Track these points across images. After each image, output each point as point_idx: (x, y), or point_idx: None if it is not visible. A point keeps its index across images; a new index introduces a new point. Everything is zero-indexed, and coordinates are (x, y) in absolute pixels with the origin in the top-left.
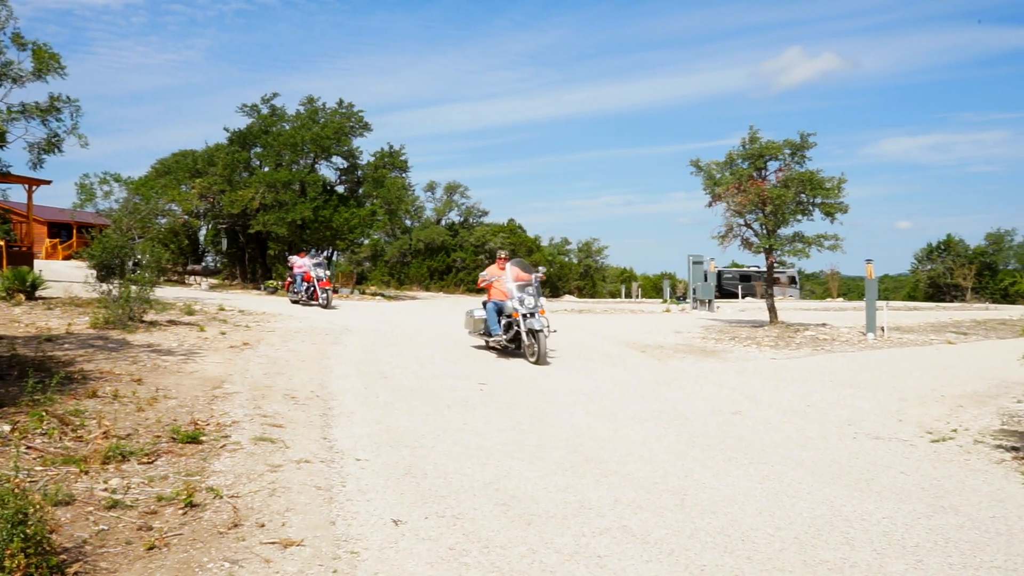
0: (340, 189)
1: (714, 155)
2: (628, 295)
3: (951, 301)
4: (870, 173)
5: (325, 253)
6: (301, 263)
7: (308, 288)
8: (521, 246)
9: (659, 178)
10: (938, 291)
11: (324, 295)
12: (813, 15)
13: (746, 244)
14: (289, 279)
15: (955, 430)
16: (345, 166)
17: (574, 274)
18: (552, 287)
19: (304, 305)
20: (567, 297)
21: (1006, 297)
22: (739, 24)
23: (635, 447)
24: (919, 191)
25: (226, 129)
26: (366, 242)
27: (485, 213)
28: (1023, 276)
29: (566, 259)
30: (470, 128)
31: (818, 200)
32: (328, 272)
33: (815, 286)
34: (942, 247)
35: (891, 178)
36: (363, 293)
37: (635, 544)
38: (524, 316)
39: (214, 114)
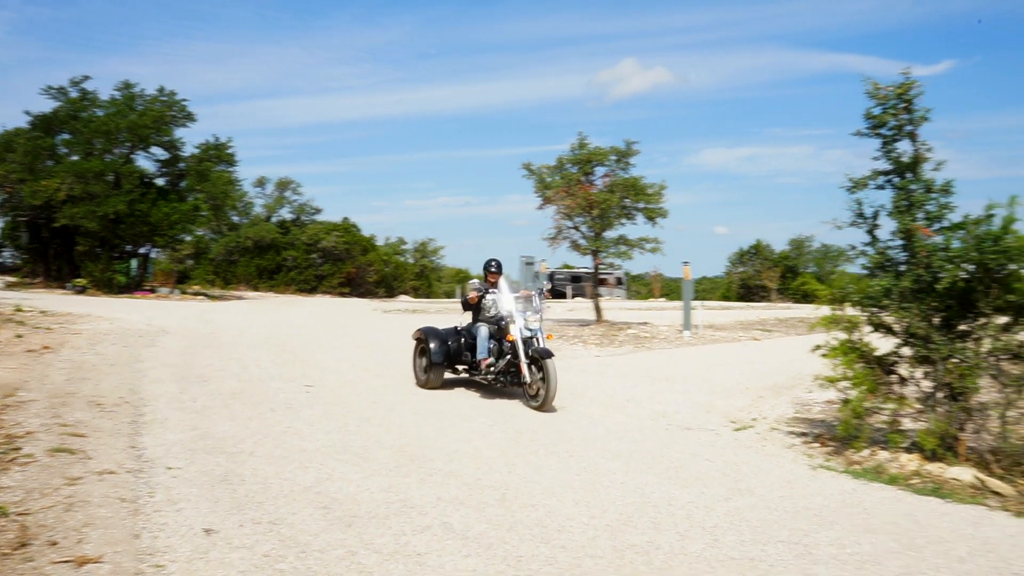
0: (160, 182)
1: (552, 159)
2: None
3: (759, 301)
4: (693, 181)
5: (544, 281)
6: (496, 298)
7: (504, 355)
8: (356, 245)
9: (497, 180)
10: (748, 292)
11: (540, 380)
12: (647, 29)
13: (575, 246)
14: (462, 333)
15: (755, 419)
16: (166, 157)
17: (410, 274)
18: (387, 287)
19: (492, 386)
20: (403, 297)
21: (805, 297)
22: (578, 33)
23: (461, 445)
24: (735, 199)
25: (28, 113)
26: (188, 239)
27: (318, 211)
28: (814, 278)
29: (402, 259)
30: (306, 123)
31: (641, 205)
32: (540, 313)
33: (640, 287)
34: (752, 251)
35: (711, 186)
36: (184, 293)
37: (455, 540)
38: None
39: (14, 96)
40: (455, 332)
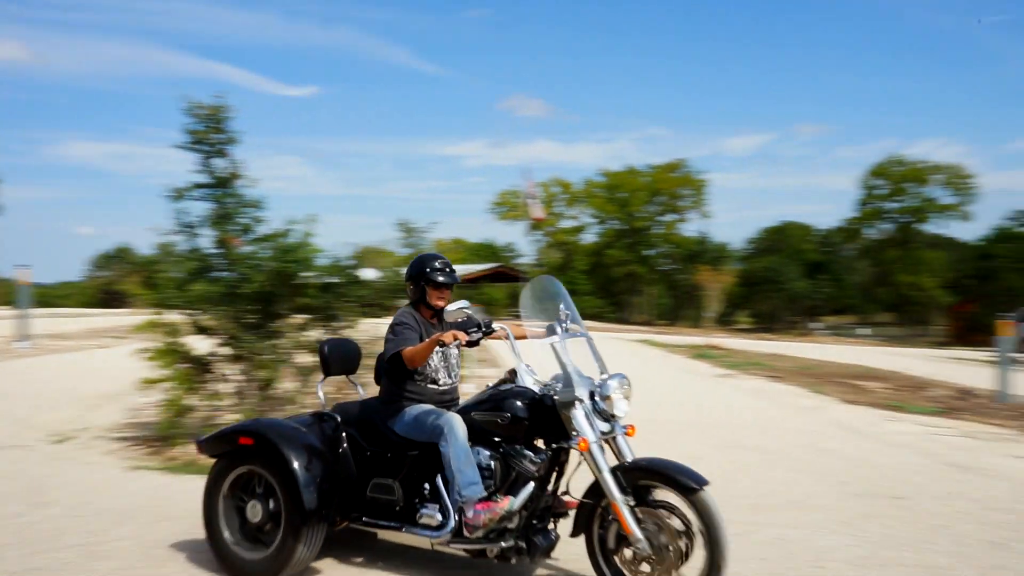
0: None
1: None
2: None
3: (122, 307)
4: (55, 175)
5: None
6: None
7: (521, 484)
8: None
9: None
10: (111, 297)
11: (666, 544)
12: None
13: None
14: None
15: (81, 429)
16: None
17: None
18: None
19: (491, 559)
20: None
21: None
22: None
23: None
24: (104, 197)
25: None
26: None
27: None
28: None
29: None
30: None
31: None
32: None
33: None
34: (116, 255)
35: (77, 183)
36: None
37: None
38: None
39: None
40: (322, 426)
